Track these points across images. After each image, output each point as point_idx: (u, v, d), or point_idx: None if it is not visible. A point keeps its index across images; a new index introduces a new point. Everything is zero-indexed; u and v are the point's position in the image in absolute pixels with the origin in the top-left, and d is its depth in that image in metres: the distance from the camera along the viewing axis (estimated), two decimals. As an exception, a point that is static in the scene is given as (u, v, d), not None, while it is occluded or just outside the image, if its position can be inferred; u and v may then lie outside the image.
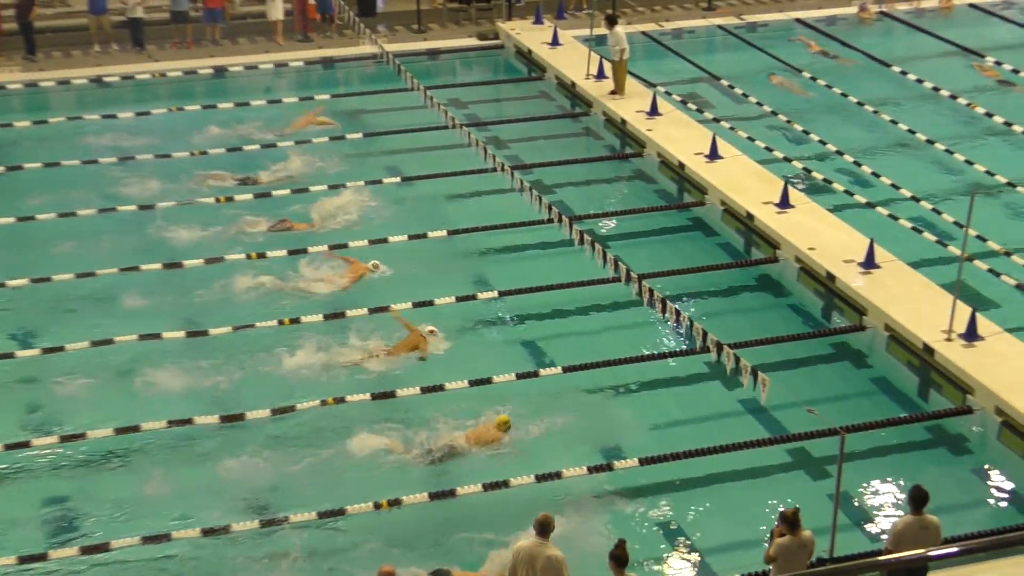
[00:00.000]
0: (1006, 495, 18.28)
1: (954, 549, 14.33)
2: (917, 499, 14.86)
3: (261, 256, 23.83)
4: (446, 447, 18.63)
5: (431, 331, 21.32)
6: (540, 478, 17.96)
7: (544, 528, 14.53)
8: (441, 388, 19.93)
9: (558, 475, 18.02)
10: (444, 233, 24.72)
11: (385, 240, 24.45)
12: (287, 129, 29.63)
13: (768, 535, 15.43)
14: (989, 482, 18.55)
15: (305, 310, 22.10)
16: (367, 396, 19.75)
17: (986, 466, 18.83)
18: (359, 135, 29.45)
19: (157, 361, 20.81)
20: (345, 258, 23.45)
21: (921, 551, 14.06)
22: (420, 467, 18.38)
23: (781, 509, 15.02)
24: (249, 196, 26.32)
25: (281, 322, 21.72)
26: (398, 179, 27.17)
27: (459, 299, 22.46)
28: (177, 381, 20.40)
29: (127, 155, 28.12)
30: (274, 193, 26.44)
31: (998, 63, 33.39)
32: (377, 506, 17.44)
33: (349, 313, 21.93)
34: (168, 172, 27.38)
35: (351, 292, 22.82)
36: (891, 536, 14.86)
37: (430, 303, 22.25)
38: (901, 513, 16.70)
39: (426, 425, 19.14)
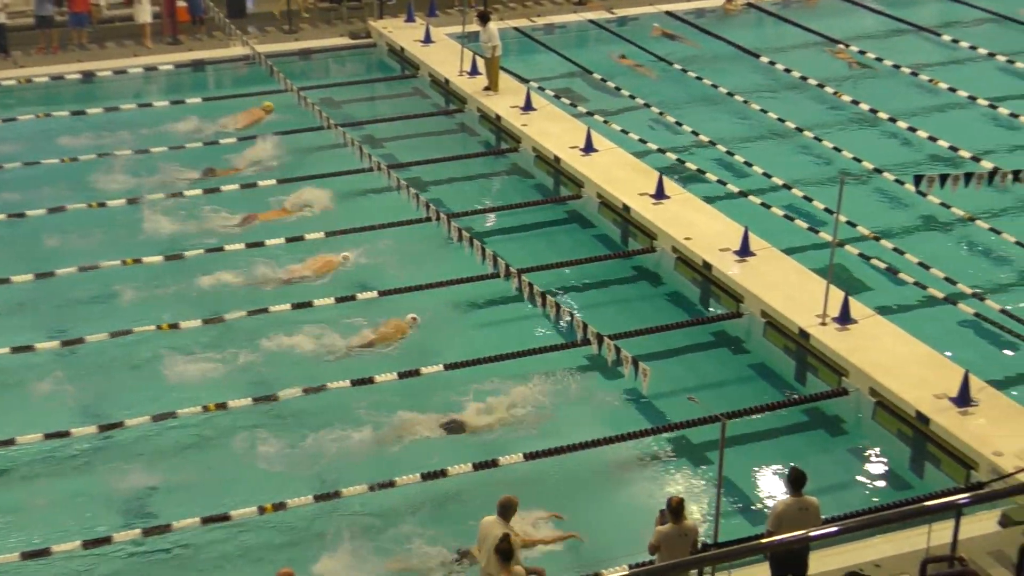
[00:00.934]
0: (882, 474, 18.69)
1: (833, 529, 14.65)
2: (795, 480, 15.06)
3: (137, 262, 23.55)
4: None
5: (413, 319, 21.72)
6: (425, 476, 17.98)
7: (503, 509, 14.97)
8: (323, 388, 19.88)
9: (443, 473, 18.06)
10: (322, 235, 24.58)
11: (262, 244, 24.27)
12: (234, 125, 29.89)
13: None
14: (865, 462, 18.94)
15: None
16: (249, 400, 19.67)
17: (862, 446, 19.23)
18: (232, 140, 29.15)
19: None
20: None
21: (801, 532, 14.30)
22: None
23: (668, 498, 15.15)
24: (122, 201, 25.98)
25: (160, 327, 21.51)
26: (273, 181, 26.95)
27: (338, 300, 22.38)
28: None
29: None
30: (148, 197, 26.10)
31: (862, 52, 34.05)
32: (261, 510, 17.39)
33: (230, 317, 21.85)
34: (39, 179, 26.93)
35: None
36: (771, 518, 15.04)
37: (309, 304, 22.15)
38: (782, 496, 16.96)
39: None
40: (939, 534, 14.96)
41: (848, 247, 23.38)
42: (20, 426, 19.04)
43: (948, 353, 19.92)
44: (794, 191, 26.04)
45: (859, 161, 27.25)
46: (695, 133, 28.94)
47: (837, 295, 20.78)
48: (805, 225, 24.52)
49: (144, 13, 34.36)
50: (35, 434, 18.83)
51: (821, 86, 31.72)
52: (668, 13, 37.39)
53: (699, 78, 32.33)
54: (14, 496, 18.07)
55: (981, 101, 30.36)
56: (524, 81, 31.37)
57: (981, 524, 16.31)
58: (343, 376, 20.12)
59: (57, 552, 16.69)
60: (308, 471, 18.38)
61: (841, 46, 34.70)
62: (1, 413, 19.71)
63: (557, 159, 27.15)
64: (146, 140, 28.96)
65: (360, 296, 22.53)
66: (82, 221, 25.14)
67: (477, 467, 18.16)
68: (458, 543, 16.61)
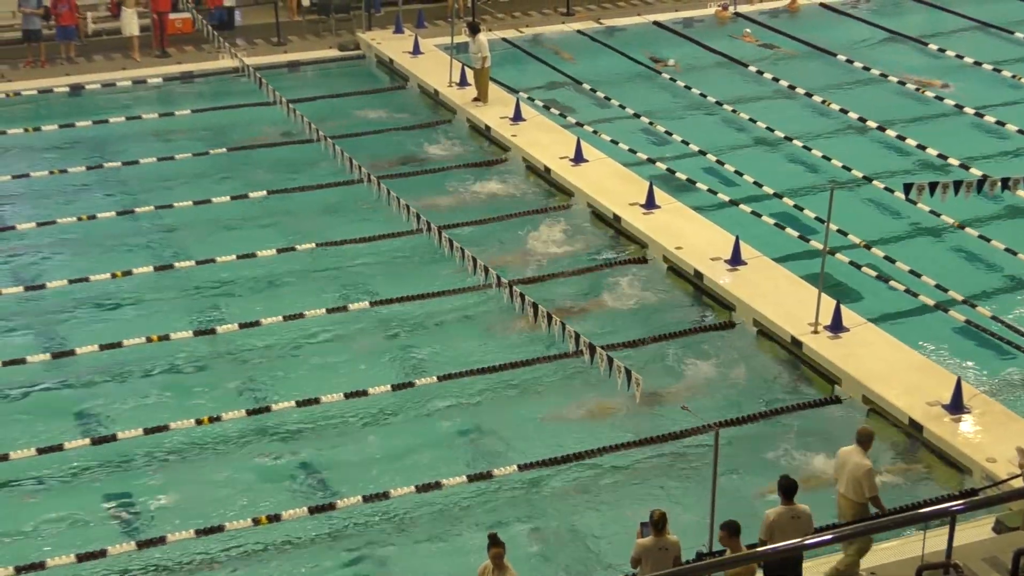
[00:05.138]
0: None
1: (827, 536, 14.63)
2: (787, 489, 15.08)
3: (127, 274, 23.54)
4: None
5: None
6: (420, 488, 17.98)
7: (862, 440, 15.86)
8: (317, 401, 19.88)
9: (438, 485, 18.07)
10: (312, 245, 24.60)
11: (253, 255, 24.26)
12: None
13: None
14: (859, 469, 18.88)
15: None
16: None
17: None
18: (223, 150, 29.12)
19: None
20: None
21: (795, 540, 14.30)
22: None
23: (651, 510, 15.08)
24: (111, 213, 26.00)
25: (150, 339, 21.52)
26: (264, 192, 26.94)
27: (329, 311, 22.38)
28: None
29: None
30: (139, 210, 26.10)
31: (850, 61, 34.10)
32: (256, 521, 17.41)
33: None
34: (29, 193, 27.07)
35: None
36: (763, 527, 15.03)
37: (300, 316, 22.14)
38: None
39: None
40: (934, 541, 14.97)
41: (839, 255, 23.42)
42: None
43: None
44: (784, 200, 26.09)
45: (849, 169, 27.31)
46: (685, 142, 28.98)
47: (829, 303, 20.83)
48: (796, 233, 24.56)
49: (132, 26, 34.27)
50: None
51: (809, 95, 31.77)
52: (656, 23, 37.39)
53: (688, 87, 32.36)
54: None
55: (968, 109, 30.44)
56: (513, 91, 31.39)
57: (976, 531, 16.36)
58: (337, 389, 20.24)
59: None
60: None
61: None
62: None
63: (547, 169, 27.16)
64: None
65: (351, 307, 22.56)
66: (72, 232, 25.11)
67: (471, 479, 18.25)
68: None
